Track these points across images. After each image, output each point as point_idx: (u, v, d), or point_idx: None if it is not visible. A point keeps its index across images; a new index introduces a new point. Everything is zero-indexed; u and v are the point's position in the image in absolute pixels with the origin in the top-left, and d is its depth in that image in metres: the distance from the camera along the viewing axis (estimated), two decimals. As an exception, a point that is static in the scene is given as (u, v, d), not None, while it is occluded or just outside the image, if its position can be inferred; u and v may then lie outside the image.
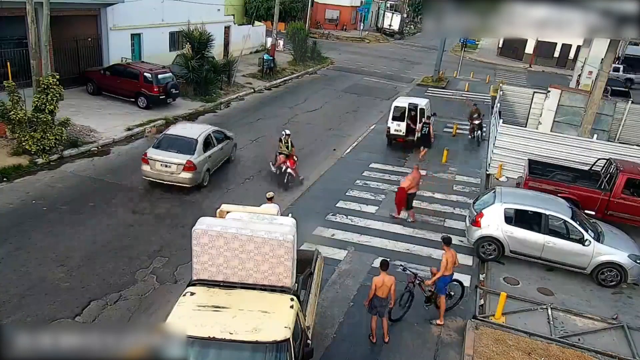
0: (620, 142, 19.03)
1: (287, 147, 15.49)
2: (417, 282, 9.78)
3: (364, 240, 12.56)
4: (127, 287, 9.86)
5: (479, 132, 21.75)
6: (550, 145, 16.58)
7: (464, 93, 32.65)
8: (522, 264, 12.02)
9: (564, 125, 20.72)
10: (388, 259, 9.28)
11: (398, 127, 19.63)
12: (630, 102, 22.16)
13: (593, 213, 13.74)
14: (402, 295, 9.67)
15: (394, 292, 8.85)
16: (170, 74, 21.50)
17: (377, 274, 8.84)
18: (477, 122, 21.61)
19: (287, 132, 15.81)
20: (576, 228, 11.47)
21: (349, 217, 13.73)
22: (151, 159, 13.75)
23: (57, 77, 15.08)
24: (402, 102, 20.43)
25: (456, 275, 9.94)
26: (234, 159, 16.97)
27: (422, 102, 20.29)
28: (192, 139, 14.28)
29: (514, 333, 9.44)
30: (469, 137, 22.21)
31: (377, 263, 10.79)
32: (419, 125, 19.24)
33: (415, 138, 19.43)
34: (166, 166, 13.68)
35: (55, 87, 14.83)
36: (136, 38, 25.07)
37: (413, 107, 19.87)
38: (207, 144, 14.72)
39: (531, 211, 11.92)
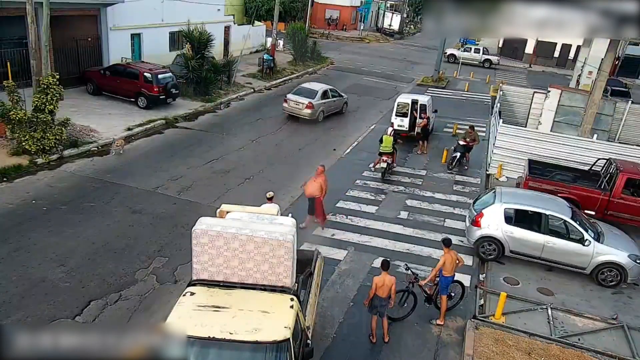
0: (620, 142, 19.03)
1: (391, 143, 16.61)
2: (415, 281, 9.75)
3: (364, 240, 12.55)
4: (127, 287, 9.86)
5: (457, 154, 17.74)
6: (550, 145, 16.58)
7: (464, 93, 32.66)
8: (522, 264, 12.01)
9: (564, 125, 20.73)
10: (388, 259, 9.27)
11: (402, 123, 20.36)
12: (630, 102, 22.17)
13: (593, 213, 13.73)
14: (402, 296, 9.66)
15: (394, 293, 8.86)
16: (170, 74, 21.47)
17: (377, 274, 8.85)
18: (462, 142, 17.90)
19: (392, 131, 17.25)
20: (576, 228, 11.47)
21: (349, 217, 13.72)
22: (289, 99, 21.89)
23: (57, 77, 15.07)
24: (406, 98, 20.97)
25: (456, 276, 9.93)
26: (344, 112, 24.25)
27: (424, 99, 21.18)
28: (314, 90, 22.21)
29: (514, 333, 9.44)
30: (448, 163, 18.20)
31: (377, 263, 10.83)
32: (421, 121, 19.70)
33: (416, 132, 20.07)
34: (296, 104, 21.62)
35: (55, 87, 14.83)
36: (136, 38, 25.06)
37: (416, 103, 20.52)
38: (324, 95, 22.33)
39: (531, 211, 11.92)
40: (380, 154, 16.54)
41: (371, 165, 17.46)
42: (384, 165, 16.34)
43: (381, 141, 16.63)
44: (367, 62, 40.25)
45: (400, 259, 11.52)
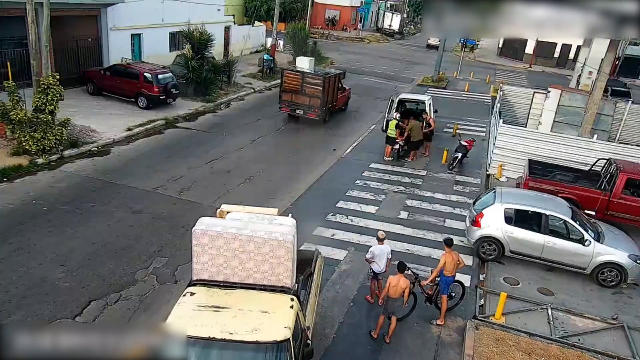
0: (620, 142, 19.02)
1: (396, 127, 18.07)
2: (417, 282, 9.76)
3: (364, 240, 12.54)
4: (127, 287, 9.86)
5: (458, 154, 17.96)
6: (550, 145, 16.57)
7: (463, 93, 32.67)
8: (522, 264, 12.01)
9: (564, 126, 20.72)
10: (404, 262, 9.18)
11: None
12: (630, 102, 22.16)
13: (593, 213, 13.72)
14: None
15: (408, 295, 8.84)
16: (170, 74, 21.49)
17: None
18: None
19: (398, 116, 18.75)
20: (576, 228, 11.46)
21: (349, 217, 13.72)
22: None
23: (57, 77, 15.07)
24: (406, 97, 20.99)
25: (456, 276, 9.92)
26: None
27: (425, 98, 21.25)
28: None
29: (514, 333, 9.44)
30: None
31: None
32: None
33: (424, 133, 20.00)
34: None
35: (55, 87, 14.83)
36: (136, 38, 25.09)
37: (416, 102, 20.72)
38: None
39: (531, 211, 11.92)
40: (387, 140, 18.32)
41: (385, 157, 18.43)
42: (397, 146, 18.19)
43: (387, 127, 18.39)
44: (367, 62, 40.27)
45: (400, 259, 11.48)
